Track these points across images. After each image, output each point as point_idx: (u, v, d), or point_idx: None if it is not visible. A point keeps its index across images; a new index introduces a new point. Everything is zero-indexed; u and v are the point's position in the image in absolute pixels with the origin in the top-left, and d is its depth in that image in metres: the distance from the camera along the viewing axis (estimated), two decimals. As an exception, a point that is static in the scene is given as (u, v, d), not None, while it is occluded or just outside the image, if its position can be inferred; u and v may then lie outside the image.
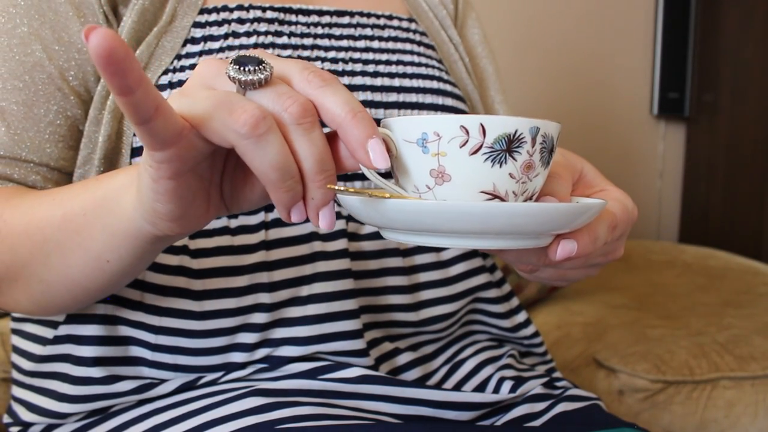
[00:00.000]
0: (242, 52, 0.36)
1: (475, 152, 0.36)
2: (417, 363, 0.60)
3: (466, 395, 0.54)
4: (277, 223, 0.56)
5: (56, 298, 0.49)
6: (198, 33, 0.56)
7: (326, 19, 0.61)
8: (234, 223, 0.55)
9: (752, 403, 0.94)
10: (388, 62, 0.62)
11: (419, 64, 0.64)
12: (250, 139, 0.33)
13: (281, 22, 0.59)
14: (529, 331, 0.66)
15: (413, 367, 0.59)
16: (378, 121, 0.38)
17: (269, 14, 0.59)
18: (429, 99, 0.62)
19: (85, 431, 0.54)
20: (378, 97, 0.59)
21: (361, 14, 0.63)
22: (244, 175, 0.40)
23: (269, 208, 0.56)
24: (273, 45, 0.58)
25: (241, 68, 0.34)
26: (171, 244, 0.47)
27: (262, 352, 0.54)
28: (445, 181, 0.37)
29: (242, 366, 0.54)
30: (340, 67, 0.59)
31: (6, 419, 0.59)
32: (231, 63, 0.35)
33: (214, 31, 0.57)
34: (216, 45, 0.56)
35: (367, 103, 0.59)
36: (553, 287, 1.31)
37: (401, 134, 0.38)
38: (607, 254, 0.47)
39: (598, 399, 0.60)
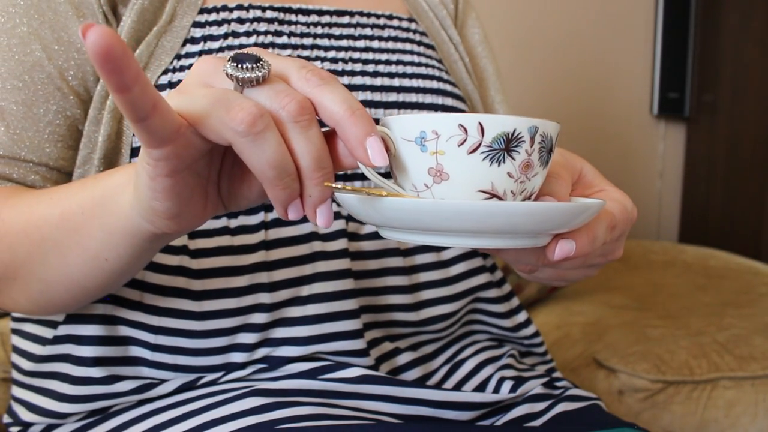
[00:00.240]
0: (240, 50, 0.36)
1: (474, 151, 0.36)
2: (417, 363, 0.60)
3: (466, 395, 0.54)
4: (277, 223, 0.56)
5: (55, 297, 0.49)
6: (197, 33, 0.56)
7: (326, 18, 0.61)
8: (234, 223, 0.55)
9: (752, 403, 0.94)
10: (387, 62, 0.62)
11: (419, 64, 0.64)
12: (248, 137, 0.33)
13: (281, 22, 0.59)
14: (529, 330, 0.66)
15: (413, 367, 0.59)
16: (377, 121, 0.38)
17: (269, 14, 0.59)
18: (429, 99, 0.62)
19: (85, 431, 0.54)
20: (378, 96, 0.59)
21: (361, 14, 0.63)
22: (241, 173, 0.40)
23: (269, 208, 0.56)
24: (273, 45, 0.58)
25: (239, 65, 0.34)
26: (169, 242, 0.47)
27: (262, 352, 0.54)
28: (443, 179, 0.37)
29: (242, 366, 0.54)
30: (339, 66, 0.59)
31: (6, 419, 0.59)
32: (229, 60, 0.35)
33: (214, 30, 0.57)
34: (215, 45, 0.56)
35: (366, 103, 0.59)
36: (553, 287, 1.31)
37: (399, 132, 0.38)
38: (606, 254, 0.47)
39: (598, 399, 0.60)
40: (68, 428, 0.55)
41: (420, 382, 0.58)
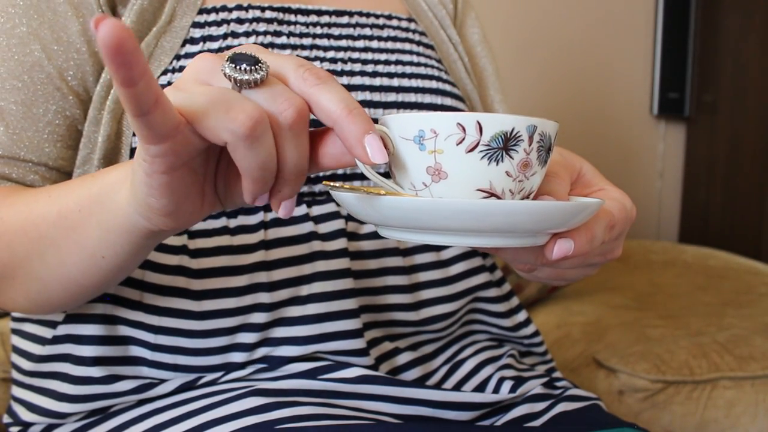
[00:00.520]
0: (238, 49, 0.36)
1: (472, 150, 0.36)
2: (417, 363, 0.60)
3: (466, 395, 0.54)
4: (277, 222, 0.56)
5: (52, 295, 0.49)
6: (197, 33, 0.56)
7: (325, 18, 0.61)
8: (233, 222, 0.55)
9: (752, 403, 0.94)
10: (387, 62, 0.62)
11: (418, 64, 0.64)
12: (246, 141, 0.34)
13: (280, 22, 0.59)
14: (529, 330, 0.66)
15: (413, 367, 0.59)
16: (375, 120, 0.38)
17: (268, 14, 0.59)
18: (428, 99, 0.62)
19: (85, 431, 0.54)
20: (377, 96, 0.59)
21: (360, 14, 0.63)
22: (237, 171, 0.40)
23: (268, 207, 0.56)
24: (272, 45, 0.58)
25: (237, 67, 0.34)
26: (166, 238, 0.47)
27: (261, 352, 0.54)
28: (441, 178, 0.37)
29: (242, 366, 0.54)
30: (338, 66, 0.59)
31: (6, 419, 0.59)
32: (227, 60, 0.35)
33: (213, 31, 0.57)
34: (215, 45, 0.56)
35: (365, 103, 0.59)
36: (553, 287, 1.31)
37: (398, 131, 0.38)
38: (605, 254, 0.47)
39: (598, 399, 0.60)
40: (68, 428, 0.55)
41: (420, 382, 0.58)
